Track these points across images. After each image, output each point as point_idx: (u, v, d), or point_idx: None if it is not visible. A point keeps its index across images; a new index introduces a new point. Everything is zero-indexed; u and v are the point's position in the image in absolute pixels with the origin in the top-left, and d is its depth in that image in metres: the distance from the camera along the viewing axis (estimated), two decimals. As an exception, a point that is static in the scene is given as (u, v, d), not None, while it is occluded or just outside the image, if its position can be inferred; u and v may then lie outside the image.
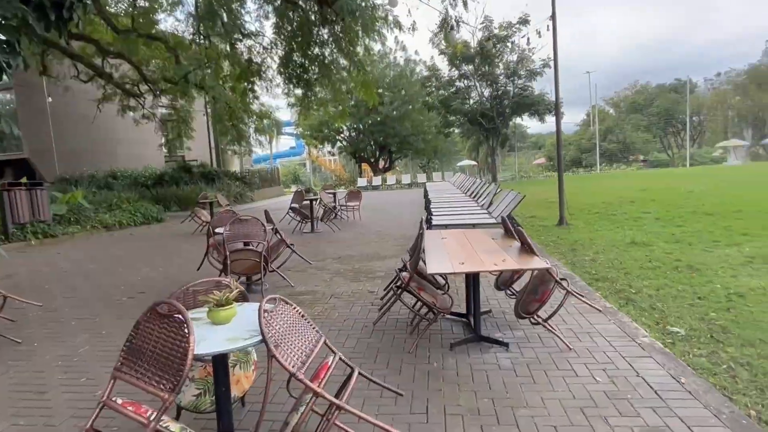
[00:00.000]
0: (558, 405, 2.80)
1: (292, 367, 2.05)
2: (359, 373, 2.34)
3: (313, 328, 2.43)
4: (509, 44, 26.44)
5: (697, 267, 5.78)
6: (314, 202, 11.38)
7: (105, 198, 15.19)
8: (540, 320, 3.72)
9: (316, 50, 14.87)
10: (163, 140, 21.35)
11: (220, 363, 2.27)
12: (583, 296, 4.17)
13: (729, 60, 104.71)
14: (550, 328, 3.73)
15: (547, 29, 9.67)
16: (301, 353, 2.18)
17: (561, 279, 3.64)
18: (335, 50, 14.70)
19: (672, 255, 6.53)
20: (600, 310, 4.29)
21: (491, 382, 3.14)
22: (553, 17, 9.49)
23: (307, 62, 15.23)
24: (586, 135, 51.87)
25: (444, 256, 3.75)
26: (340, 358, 2.37)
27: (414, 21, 16.77)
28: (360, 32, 13.88)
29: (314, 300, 5.33)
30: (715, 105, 57.04)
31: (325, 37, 14.45)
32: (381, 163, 38.54)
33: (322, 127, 34.44)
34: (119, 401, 2.05)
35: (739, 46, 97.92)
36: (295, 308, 2.40)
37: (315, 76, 15.49)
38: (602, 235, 8.48)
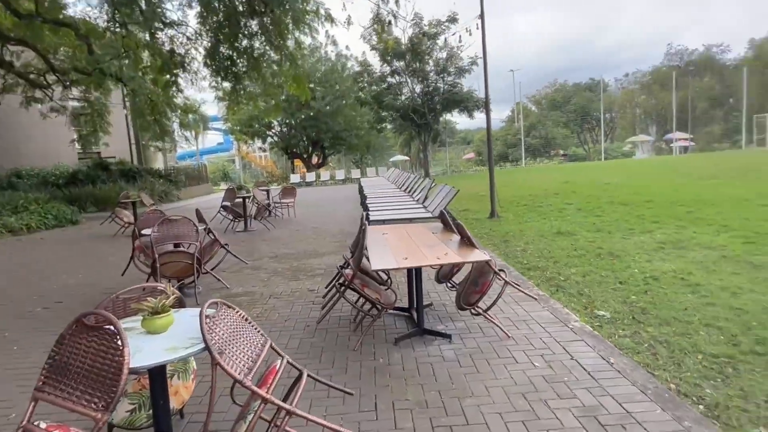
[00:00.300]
0: (501, 392, 2.89)
1: (239, 374, 1.95)
2: (308, 376, 2.28)
3: (258, 331, 2.33)
4: (439, 41, 27.01)
5: (617, 254, 6.23)
6: (247, 200, 11.02)
7: (9, 199, 13.75)
8: (480, 311, 3.83)
9: (245, 42, 14.34)
10: (75, 136, 19.68)
11: (157, 375, 2.12)
12: (519, 286, 4.35)
13: (636, 61, 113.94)
14: (490, 318, 3.86)
15: (477, 28, 9.97)
16: (248, 359, 2.09)
17: (499, 270, 3.77)
18: (265, 43, 14.25)
19: (594, 243, 6.98)
20: (535, 298, 4.50)
21: (437, 374, 3.19)
22: (481, 17, 9.79)
23: (235, 55, 14.64)
24: (511, 131, 54.22)
25: (387, 252, 3.76)
26: (288, 362, 2.30)
27: (349, 15, 16.60)
28: (290, 25, 13.55)
29: (252, 301, 5.15)
30: (624, 103, 61.82)
31: (254, 29, 13.98)
32: (314, 159, 38.08)
33: (252, 122, 33.41)
34: (43, 425, 1.85)
35: (644, 48, 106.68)
36: (238, 312, 2.29)
37: (244, 69, 14.94)
38: (531, 226, 8.90)
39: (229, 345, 2.04)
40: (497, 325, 3.84)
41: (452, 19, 26.15)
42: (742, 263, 5.36)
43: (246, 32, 14.00)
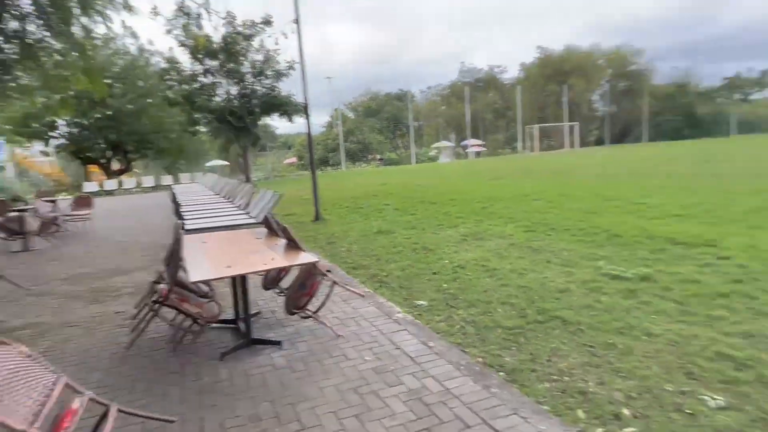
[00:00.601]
0: (335, 391, 2.93)
1: (21, 422, 1.59)
2: (118, 410, 1.97)
3: (47, 369, 1.94)
4: (254, 43, 26.33)
5: (430, 247, 6.86)
6: (25, 213, 9.16)
7: None
8: (310, 313, 3.83)
9: (14, 24, 11.89)
10: None
11: None
12: (346, 285, 4.47)
13: (437, 75, 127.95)
14: (319, 320, 3.88)
15: (292, 32, 9.97)
16: (33, 403, 1.71)
17: (326, 271, 3.82)
18: (43, 27, 12.02)
19: (410, 239, 7.58)
20: (362, 295, 4.68)
21: (268, 383, 3.08)
22: (297, 21, 9.83)
23: (1, 39, 12.03)
24: (330, 136, 55.78)
25: (207, 262, 3.50)
26: (91, 398, 1.96)
27: (156, 6, 14.89)
28: (76, 9, 11.68)
29: (39, 334, 4.29)
30: (428, 112, 68.84)
31: (27, 9, 11.69)
32: (115, 165, 33.62)
33: (28, 120, 27.93)
34: None
35: (443, 64, 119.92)
36: (17, 348, 1.87)
37: (15, 57, 12.37)
38: (354, 227, 9.26)
39: (6, 390, 1.65)
40: (327, 326, 3.88)
41: (267, 21, 25.75)
42: (524, 248, 6.39)
43: (15, 12, 11.63)
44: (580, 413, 2.61)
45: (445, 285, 5.05)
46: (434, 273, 5.54)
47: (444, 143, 53.60)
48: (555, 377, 3.00)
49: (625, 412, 2.59)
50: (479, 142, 52.54)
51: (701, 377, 2.87)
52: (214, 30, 25.44)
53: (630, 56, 55.26)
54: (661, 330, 3.54)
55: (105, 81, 15.42)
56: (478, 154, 49.48)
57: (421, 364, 3.20)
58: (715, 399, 2.64)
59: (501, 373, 3.09)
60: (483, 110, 60.74)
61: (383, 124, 62.76)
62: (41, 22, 11.77)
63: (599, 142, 53.08)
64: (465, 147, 51.24)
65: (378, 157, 54.06)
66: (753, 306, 3.84)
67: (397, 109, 63.40)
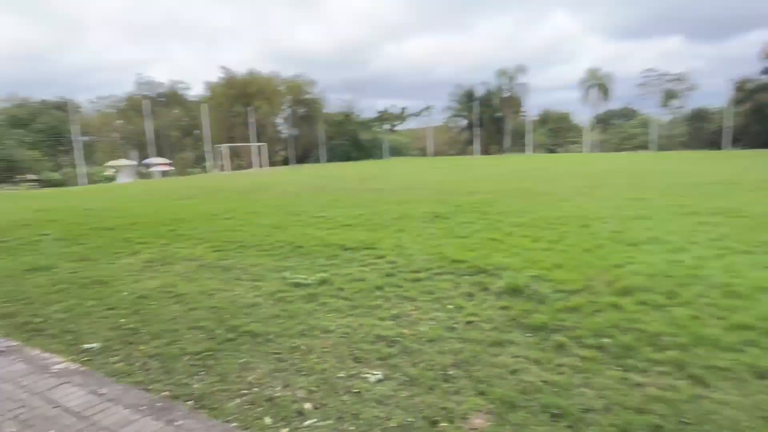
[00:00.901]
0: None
1: None
2: None
3: None
4: None
5: (105, 280, 5.96)
6: None
7: None
8: None
9: None
10: None
11: None
12: (-26, 343, 3.43)
13: (109, 84, 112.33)
14: (-73, 398, 2.84)
15: None
16: None
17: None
18: None
19: (78, 273, 6.41)
20: (2, 351, 3.66)
21: None
22: None
23: None
24: (-46, 150, 42.24)
25: None
26: None
27: None
28: None
29: None
30: (101, 126, 60.07)
31: None
32: None
33: None
34: None
35: (117, 72, 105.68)
36: None
37: None
38: (-7, 266, 7.22)
39: None
40: (-57, 403, 2.88)
41: None
42: (215, 268, 6.27)
43: None
44: (267, 420, 2.71)
45: (123, 320, 4.47)
46: (109, 308, 4.84)
47: (123, 161, 47.85)
48: (244, 391, 3.03)
49: (307, 406, 2.83)
50: (165, 160, 49.05)
51: (365, 359, 3.40)
52: None
53: (305, 85, 61.58)
54: (335, 326, 4.03)
55: None
56: (164, 173, 46.10)
57: (88, 418, 2.73)
58: (374, 375, 3.17)
59: (189, 402, 2.93)
60: (168, 127, 57.05)
61: (38, 137, 51.46)
62: None
63: (285, 162, 57.19)
64: (148, 166, 46.97)
65: (32, 177, 43.97)
66: (399, 293, 4.81)
67: (58, 120, 53.03)
